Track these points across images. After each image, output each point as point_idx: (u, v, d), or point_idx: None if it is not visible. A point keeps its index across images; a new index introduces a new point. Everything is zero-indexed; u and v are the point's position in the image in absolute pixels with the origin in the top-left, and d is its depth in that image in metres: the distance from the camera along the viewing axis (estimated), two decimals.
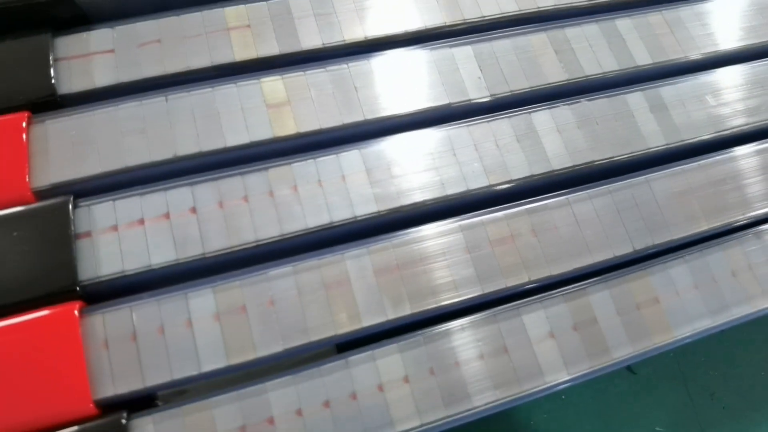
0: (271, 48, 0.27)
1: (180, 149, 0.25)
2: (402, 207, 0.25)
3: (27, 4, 0.26)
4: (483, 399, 0.23)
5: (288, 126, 0.26)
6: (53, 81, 0.26)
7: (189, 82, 0.26)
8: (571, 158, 0.28)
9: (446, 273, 0.25)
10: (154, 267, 0.23)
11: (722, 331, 0.35)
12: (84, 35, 0.27)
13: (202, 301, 0.23)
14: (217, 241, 0.24)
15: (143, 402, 0.22)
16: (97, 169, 0.24)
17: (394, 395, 0.23)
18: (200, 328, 0.22)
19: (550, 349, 0.24)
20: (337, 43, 0.28)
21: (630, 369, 0.33)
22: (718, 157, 0.29)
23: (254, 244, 0.24)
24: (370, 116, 0.27)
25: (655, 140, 0.29)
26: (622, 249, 0.27)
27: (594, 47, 0.30)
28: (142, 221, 0.24)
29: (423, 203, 0.26)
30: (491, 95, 0.28)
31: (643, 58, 0.31)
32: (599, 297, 0.26)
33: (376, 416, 0.22)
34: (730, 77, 0.31)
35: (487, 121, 0.28)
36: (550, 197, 0.27)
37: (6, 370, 0.21)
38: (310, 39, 0.28)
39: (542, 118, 0.28)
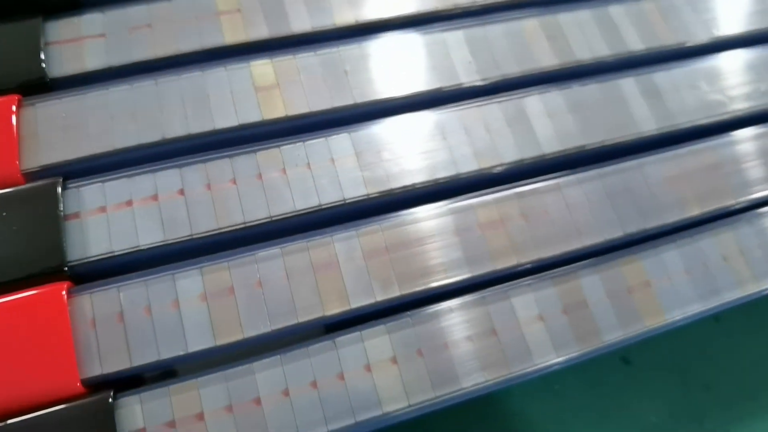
0: (260, 32, 0.27)
1: (169, 132, 0.25)
2: (392, 190, 0.25)
3: None
4: (471, 380, 0.23)
5: (277, 109, 0.26)
6: (44, 65, 0.26)
7: (179, 65, 0.26)
8: (561, 143, 0.28)
9: (435, 255, 0.25)
10: (142, 247, 0.23)
11: (717, 320, 0.35)
12: (75, 20, 0.27)
13: (189, 282, 0.23)
14: (205, 223, 0.24)
15: (131, 381, 0.22)
16: (87, 151, 0.24)
17: (382, 376, 0.23)
18: (187, 309, 0.22)
19: (539, 332, 0.24)
20: (328, 27, 0.28)
21: (624, 360, 0.33)
22: (710, 143, 0.29)
23: (242, 226, 0.24)
24: (360, 100, 0.27)
25: (647, 125, 0.29)
26: (613, 233, 0.26)
27: (586, 33, 0.30)
28: (130, 202, 0.24)
29: (413, 186, 0.26)
30: (482, 79, 0.28)
31: (635, 43, 0.30)
32: (589, 280, 0.26)
33: (363, 396, 0.22)
34: (723, 63, 0.31)
35: (478, 106, 0.28)
36: (540, 180, 0.27)
37: None
38: (301, 23, 0.28)
39: (533, 102, 0.28)
